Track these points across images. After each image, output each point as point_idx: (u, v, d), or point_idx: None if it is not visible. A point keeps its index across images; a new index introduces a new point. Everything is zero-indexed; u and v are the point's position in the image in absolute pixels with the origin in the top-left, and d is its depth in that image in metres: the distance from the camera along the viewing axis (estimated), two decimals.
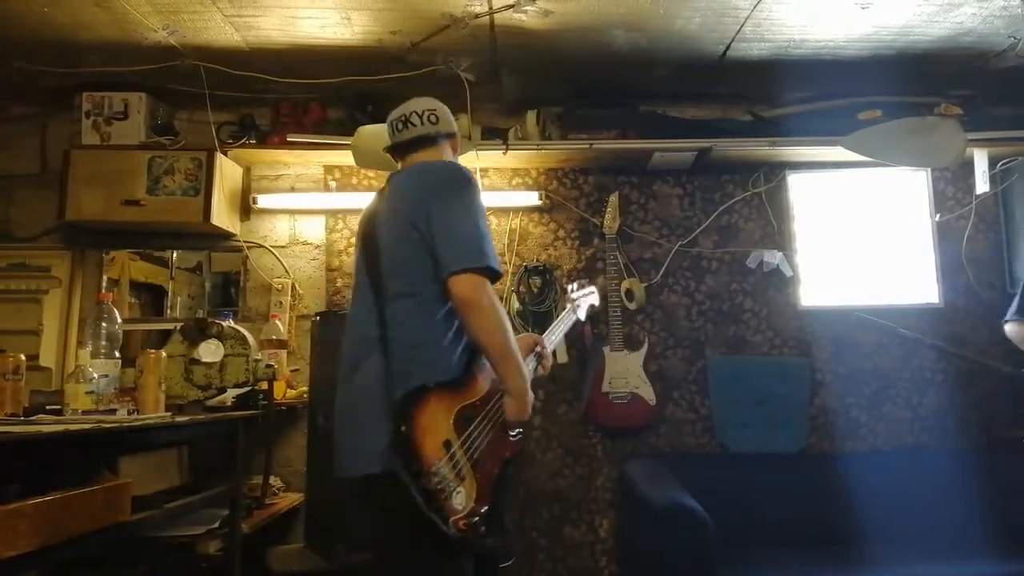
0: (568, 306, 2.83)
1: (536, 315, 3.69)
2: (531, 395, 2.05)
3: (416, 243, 2.01)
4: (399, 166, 2.28)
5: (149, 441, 2.56)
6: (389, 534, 1.98)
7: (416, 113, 2.26)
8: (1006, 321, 3.36)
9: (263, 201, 3.79)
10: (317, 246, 3.87)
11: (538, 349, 2.31)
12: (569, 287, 2.96)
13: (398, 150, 2.30)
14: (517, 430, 2.09)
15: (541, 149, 3.62)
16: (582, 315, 2.86)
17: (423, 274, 2.00)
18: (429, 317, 2.00)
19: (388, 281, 2.05)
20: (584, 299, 2.90)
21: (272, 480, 3.37)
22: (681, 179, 3.95)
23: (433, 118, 2.26)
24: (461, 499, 1.85)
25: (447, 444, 1.87)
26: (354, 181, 3.90)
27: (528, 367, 2.16)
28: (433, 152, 2.25)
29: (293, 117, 3.70)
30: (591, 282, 3.11)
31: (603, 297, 3.77)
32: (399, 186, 2.16)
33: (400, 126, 2.27)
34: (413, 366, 1.95)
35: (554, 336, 2.54)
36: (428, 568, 1.91)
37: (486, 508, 1.89)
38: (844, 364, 3.83)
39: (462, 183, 2.08)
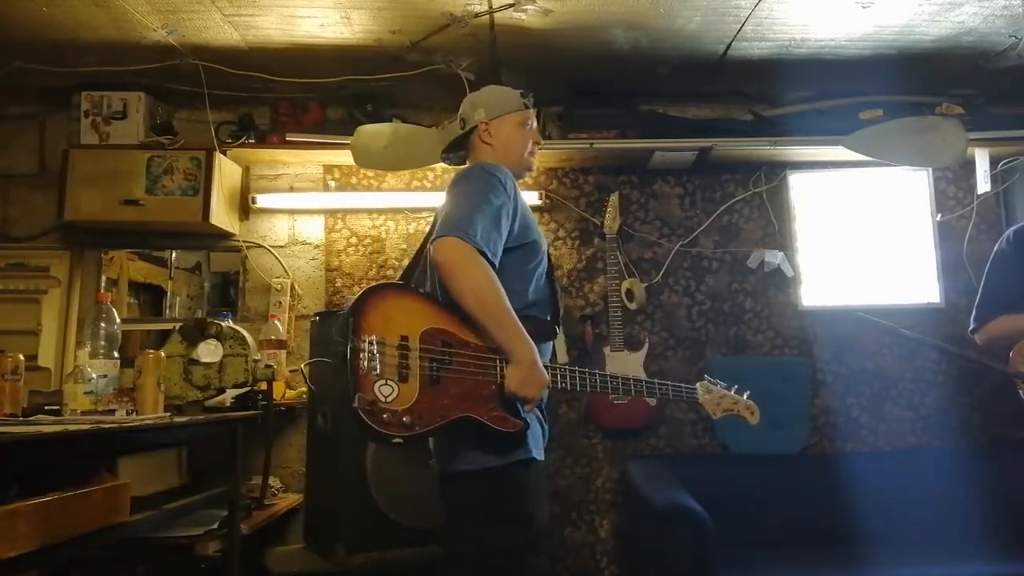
0: (705, 394, 2.31)
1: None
2: (543, 372, 1.92)
3: None
4: None
5: (148, 442, 2.55)
6: (453, 532, 2.02)
7: (460, 117, 2.31)
8: (973, 331, 2.93)
9: (262, 201, 3.78)
10: (316, 246, 3.86)
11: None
12: (709, 379, 2.37)
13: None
14: (518, 420, 1.92)
15: (541, 148, 3.57)
16: (711, 410, 2.32)
17: None
18: None
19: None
20: (734, 404, 2.34)
21: (271, 481, 3.35)
22: (682, 179, 3.94)
23: (461, 124, 2.29)
24: (388, 391, 1.79)
25: (404, 337, 1.84)
26: (353, 181, 3.89)
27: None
28: (472, 156, 2.30)
29: (292, 116, 3.69)
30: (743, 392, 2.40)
31: (603, 297, 3.78)
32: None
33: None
34: None
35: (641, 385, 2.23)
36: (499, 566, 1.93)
37: (411, 420, 1.80)
38: (845, 364, 3.83)
39: (475, 172, 2.09)
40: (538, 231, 2.16)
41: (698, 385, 2.31)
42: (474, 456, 1.95)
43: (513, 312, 1.90)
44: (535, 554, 1.98)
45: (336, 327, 1.85)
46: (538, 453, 2.04)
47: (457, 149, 2.33)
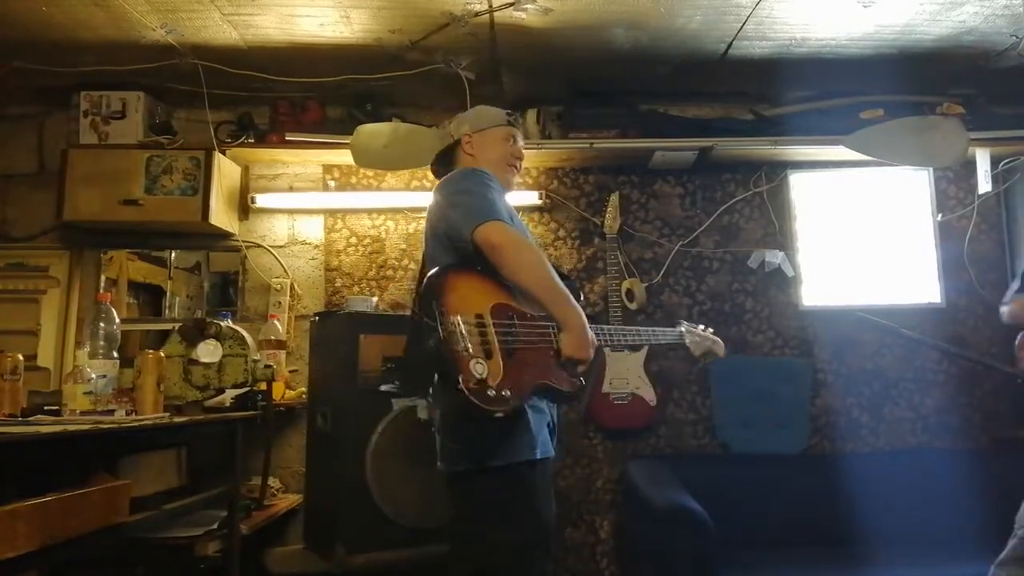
0: (682, 329, 2.68)
1: None
2: (591, 334, 2.05)
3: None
4: None
5: (147, 442, 2.54)
6: (459, 531, 2.08)
7: (447, 132, 2.44)
8: (1005, 303, 3.06)
9: (261, 200, 3.77)
10: (316, 246, 3.85)
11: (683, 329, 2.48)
12: (682, 323, 2.74)
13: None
14: (577, 373, 2.07)
15: (541, 148, 3.60)
16: (695, 348, 2.69)
17: None
18: None
19: None
20: (705, 340, 2.71)
21: (271, 481, 3.35)
22: (682, 178, 3.94)
23: (447, 138, 2.42)
24: (481, 369, 1.84)
25: (479, 315, 1.91)
26: (353, 180, 3.88)
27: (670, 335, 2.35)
28: (456, 168, 2.35)
29: (292, 116, 3.69)
30: (707, 327, 2.79)
31: (603, 297, 3.78)
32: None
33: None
34: None
35: (631, 334, 2.50)
36: (502, 560, 1.97)
37: (509, 395, 1.86)
38: (846, 364, 3.82)
39: (466, 173, 2.20)
40: (522, 226, 2.27)
41: (682, 329, 2.66)
42: (479, 456, 1.97)
43: (561, 283, 2.04)
44: (543, 555, 2.01)
45: (419, 310, 1.92)
46: (544, 452, 2.07)
47: (445, 164, 2.42)
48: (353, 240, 3.85)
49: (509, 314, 1.98)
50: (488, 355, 1.87)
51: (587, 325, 2.04)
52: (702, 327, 2.75)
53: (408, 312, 2.69)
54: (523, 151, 2.44)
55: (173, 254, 3.85)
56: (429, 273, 1.96)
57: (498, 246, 1.96)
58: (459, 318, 1.86)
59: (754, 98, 3.84)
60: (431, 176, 3.84)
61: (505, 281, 2.01)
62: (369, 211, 3.87)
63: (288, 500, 3.45)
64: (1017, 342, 2.52)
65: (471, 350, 1.84)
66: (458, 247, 2.04)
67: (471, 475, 2.00)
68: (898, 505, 3.37)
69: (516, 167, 2.41)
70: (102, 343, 2.58)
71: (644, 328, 2.64)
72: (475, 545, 2.01)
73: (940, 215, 3.90)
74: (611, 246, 3.72)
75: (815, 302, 3.87)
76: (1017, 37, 3.25)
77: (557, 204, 3.88)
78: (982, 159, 3.68)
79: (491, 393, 1.83)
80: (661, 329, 2.66)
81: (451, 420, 2.05)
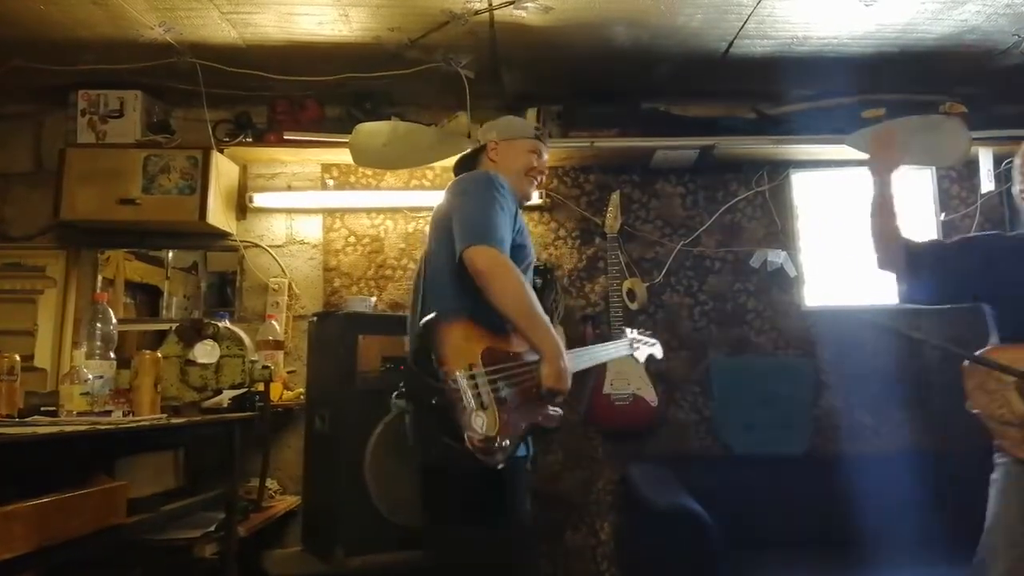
0: (626, 340, 2.79)
1: None
2: (566, 363, 2.04)
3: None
4: None
5: (145, 443, 2.53)
6: (435, 519, 2.12)
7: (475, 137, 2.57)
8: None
9: (259, 200, 3.76)
10: (314, 245, 3.84)
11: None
12: (628, 330, 2.92)
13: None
14: (556, 403, 2.09)
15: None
16: (640, 358, 2.86)
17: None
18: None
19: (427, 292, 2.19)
20: (645, 347, 2.87)
21: (269, 483, 3.34)
22: (683, 178, 3.92)
23: (476, 142, 2.49)
24: (480, 423, 1.85)
25: (470, 367, 1.90)
26: (352, 179, 3.87)
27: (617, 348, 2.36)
28: (478, 167, 2.43)
29: (290, 115, 3.67)
30: (654, 335, 3.01)
31: (604, 297, 3.76)
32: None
33: None
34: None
35: (586, 356, 2.49)
36: (478, 546, 1.99)
37: (508, 444, 1.88)
38: (848, 365, 3.80)
39: (479, 177, 2.22)
40: (528, 238, 2.29)
41: (631, 337, 2.78)
42: (450, 450, 1.95)
43: (542, 312, 2.04)
44: (522, 550, 2.06)
45: (415, 366, 1.93)
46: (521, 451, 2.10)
47: (467, 168, 2.45)
48: (352, 240, 3.83)
49: (497, 358, 1.98)
50: (483, 406, 1.88)
51: (564, 354, 2.04)
52: (639, 331, 2.92)
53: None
54: (546, 167, 2.49)
55: (170, 254, 3.84)
56: (421, 323, 1.96)
57: (483, 272, 1.98)
58: (457, 373, 1.87)
59: (756, 97, 3.82)
60: (430, 175, 3.88)
61: (491, 317, 2.02)
62: (368, 210, 3.85)
63: (286, 502, 3.43)
64: (964, 371, 2.49)
65: (472, 404, 1.85)
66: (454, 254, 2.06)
67: (441, 471, 2.04)
68: (900, 507, 3.34)
69: (537, 180, 2.46)
70: (99, 343, 2.57)
71: (597, 346, 2.68)
72: (450, 542, 2.05)
73: (943, 214, 3.89)
74: (612, 246, 3.70)
75: (817, 302, 3.85)
76: (1020, 36, 3.25)
77: (558, 203, 3.87)
78: (985, 158, 3.67)
79: (494, 446, 1.85)
80: (613, 344, 2.73)
81: (426, 419, 2.06)
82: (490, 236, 2.01)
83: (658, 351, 2.94)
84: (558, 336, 2.06)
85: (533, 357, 2.05)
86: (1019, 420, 2.23)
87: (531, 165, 2.41)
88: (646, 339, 2.90)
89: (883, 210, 2.59)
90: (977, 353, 2.33)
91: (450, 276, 2.10)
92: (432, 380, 1.88)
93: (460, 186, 2.21)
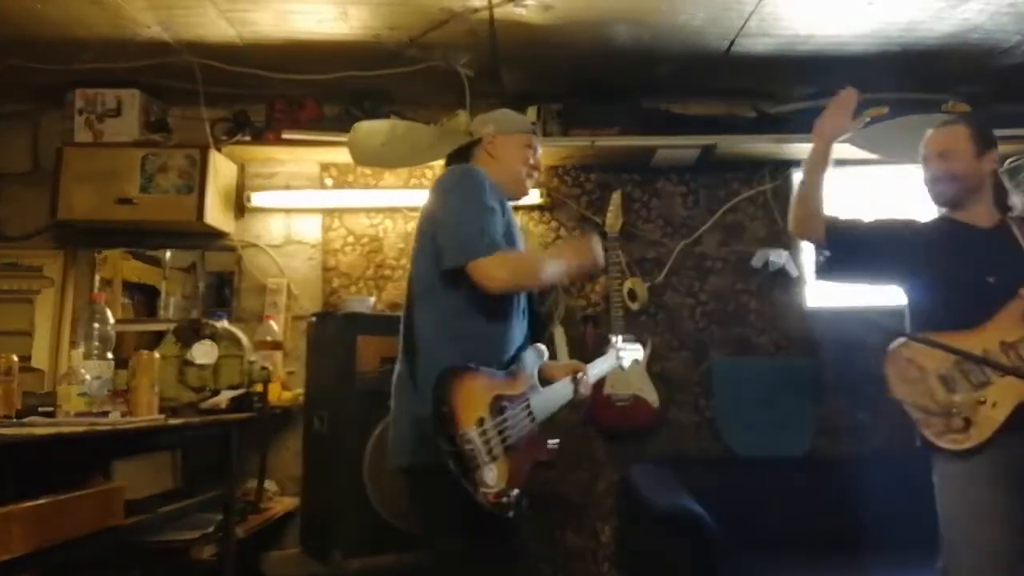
0: (611, 351, 2.79)
1: (537, 316, 3.64)
2: (573, 248, 2.28)
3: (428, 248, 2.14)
4: None
5: (142, 444, 2.53)
6: (427, 524, 2.14)
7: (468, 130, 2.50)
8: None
9: (257, 199, 3.75)
10: (313, 245, 3.82)
11: (580, 376, 2.37)
12: (614, 339, 2.92)
13: None
14: (554, 441, 2.15)
15: (542, 146, 3.56)
16: (625, 364, 2.84)
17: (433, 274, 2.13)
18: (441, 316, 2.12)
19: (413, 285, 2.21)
20: (629, 353, 2.86)
21: (267, 484, 3.34)
22: (685, 177, 3.91)
23: (469, 136, 2.45)
24: (492, 476, 1.88)
25: (480, 420, 1.92)
26: (351, 179, 3.86)
27: (564, 387, 2.31)
28: (473, 161, 2.40)
29: (288, 113, 3.66)
30: (638, 339, 3.10)
31: (605, 297, 3.75)
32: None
33: None
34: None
35: (595, 370, 2.53)
36: (467, 554, 2.00)
37: (518, 493, 1.93)
38: (850, 366, 3.77)
39: (458, 176, 2.22)
40: (518, 236, 2.31)
41: (616, 347, 2.78)
42: (427, 452, 1.95)
43: (543, 260, 2.26)
44: (507, 555, 2.07)
45: (431, 426, 1.89)
46: None
47: (461, 160, 2.42)
48: (351, 239, 3.82)
49: (502, 405, 2.00)
50: (494, 457, 1.91)
51: (567, 253, 2.26)
52: (623, 337, 2.99)
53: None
54: (541, 163, 2.48)
55: (168, 254, 3.82)
56: (435, 383, 1.90)
57: (496, 288, 2.04)
58: (466, 432, 1.87)
59: (757, 95, 3.81)
60: (429, 174, 3.86)
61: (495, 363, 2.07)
62: (367, 210, 3.84)
63: (284, 503, 3.43)
64: (886, 360, 2.48)
65: (484, 460, 1.87)
66: (441, 264, 2.08)
67: (418, 471, 2.06)
68: (902, 508, 3.31)
69: (534, 176, 2.44)
70: (96, 344, 2.56)
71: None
72: (438, 545, 2.09)
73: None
74: (613, 245, 3.69)
75: (819, 303, 3.84)
76: (1022, 35, 3.24)
77: (558, 203, 3.86)
78: None
79: (505, 500, 1.89)
80: (601, 360, 2.65)
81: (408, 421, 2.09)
82: (483, 245, 2.03)
83: (640, 354, 2.95)
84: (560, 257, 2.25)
85: (534, 394, 2.14)
86: (942, 409, 2.24)
87: (529, 159, 2.39)
88: (629, 345, 2.90)
89: (813, 174, 2.57)
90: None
91: (435, 278, 2.12)
92: (447, 444, 1.85)
93: (441, 185, 2.21)
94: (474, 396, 1.94)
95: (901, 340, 2.42)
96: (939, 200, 2.49)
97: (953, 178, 2.41)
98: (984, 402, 2.19)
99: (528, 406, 2.10)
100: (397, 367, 2.18)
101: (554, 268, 2.19)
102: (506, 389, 2.05)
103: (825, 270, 2.65)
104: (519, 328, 2.25)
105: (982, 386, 2.21)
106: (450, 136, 3.37)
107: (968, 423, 2.18)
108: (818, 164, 2.55)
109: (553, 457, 2.13)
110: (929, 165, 2.47)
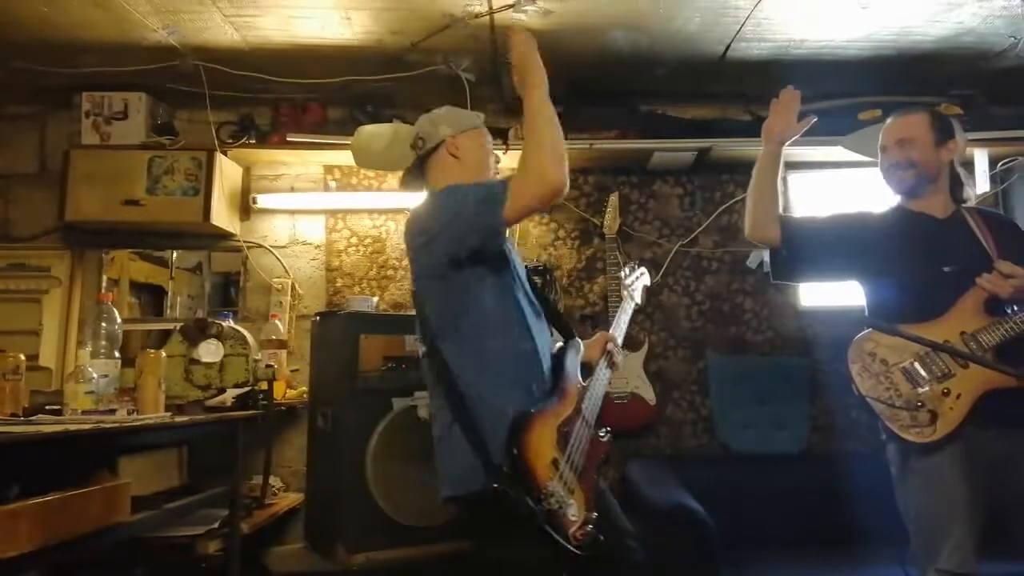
0: (624, 293, 2.70)
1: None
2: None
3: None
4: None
5: (149, 441, 2.55)
6: (479, 550, 2.05)
7: (417, 137, 2.27)
8: None
9: (263, 201, 3.78)
10: (317, 246, 3.86)
11: (609, 347, 2.35)
12: (622, 272, 2.82)
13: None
14: (605, 430, 2.13)
15: None
16: (639, 298, 2.75)
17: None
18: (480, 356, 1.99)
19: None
20: (638, 282, 2.78)
21: (272, 480, 3.36)
22: (681, 179, 3.95)
23: (419, 144, 2.25)
24: (574, 511, 1.87)
25: (555, 463, 1.89)
26: (354, 181, 3.90)
27: (603, 370, 2.28)
28: (433, 176, 2.23)
29: (293, 117, 3.70)
30: (639, 264, 2.94)
31: (603, 297, 3.78)
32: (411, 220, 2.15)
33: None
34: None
35: (620, 329, 2.49)
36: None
37: (596, 514, 1.91)
38: (844, 364, 3.76)
39: (443, 198, 2.06)
40: (513, 253, 2.19)
41: (629, 286, 2.70)
42: (465, 480, 1.93)
43: (540, 114, 2.02)
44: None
45: (511, 498, 1.82)
46: None
47: (417, 176, 2.28)
48: (354, 240, 3.86)
49: (565, 432, 1.97)
50: (571, 492, 1.89)
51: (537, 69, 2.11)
52: (626, 269, 2.83)
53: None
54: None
55: (175, 254, 3.86)
56: (506, 445, 1.85)
57: (550, 176, 1.88)
58: (551, 484, 1.84)
59: (753, 99, 3.84)
60: None
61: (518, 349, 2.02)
62: (370, 211, 3.88)
63: (289, 499, 3.45)
64: (849, 356, 2.49)
65: (563, 504, 1.85)
66: (466, 244, 1.95)
67: (460, 499, 1.98)
68: (895, 503, 3.36)
69: (497, 169, 2.34)
70: (104, 343, 2.58)
71: (619, 320, 2.56)
72: (490, 566, 2.00)
73: None
74: (610, 246, 3.73)
75: (814, 302, 3.88)
76: (1015, 38, 3.26)
77: (557, 205, 3.88)
78: (980, 159, 3.67)
79: (584, 533, 1.85)
80: (620, 312, 2.59)
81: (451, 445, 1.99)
82: (497, 186, 1.92)
83: (646, 278, 2.85)
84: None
85: (585, 400, 2.11)
86: (907, 403, 2.22)
87: (491, 152, 2.26)
88: (633, 274, 2.79)
89: (765, 176, 2.53)
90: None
91: (449, 307, 2.02)
92: (533, 505, 1.80)
93: (450, 197, 2.02)
94: (543, 440, 1.90)
95: (864, 333, 2.41)
96: (897, 188, 2.44)
97: (911, 165, 2.37)
98: (948, 393, 2.18)
99: (584, 417, 2.06)
100: (436, 412, 2.03)
101: (548, 106, 2.04)
102: (563, 412, 2.01)
103: (782, 271, 2.61)
104: (542, 329, 2.15)
105: (945, 377, 2.20)
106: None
107: (934, 415, 2.17)
108: (769, 167, 2.52)
109: (609, 448, 2.12)
110: (888, 152, 2.43)
